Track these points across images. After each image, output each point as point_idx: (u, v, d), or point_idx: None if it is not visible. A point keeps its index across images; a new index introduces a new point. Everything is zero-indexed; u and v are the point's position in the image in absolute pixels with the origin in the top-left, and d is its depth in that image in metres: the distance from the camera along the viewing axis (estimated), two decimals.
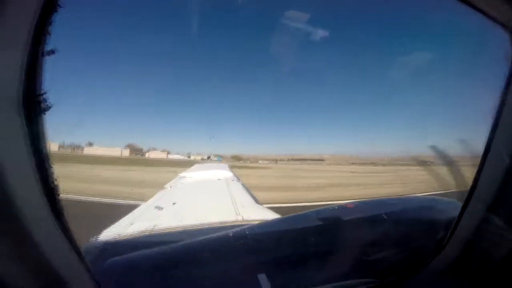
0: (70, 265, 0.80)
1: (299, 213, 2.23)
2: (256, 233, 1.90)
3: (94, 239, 2.27)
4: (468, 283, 1.04)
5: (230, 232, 1.93)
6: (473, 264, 1.05)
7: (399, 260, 1.36)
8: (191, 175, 7.01)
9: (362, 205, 2.15)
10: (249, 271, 1.37)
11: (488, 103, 1.01)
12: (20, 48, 0.62)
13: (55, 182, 0.73)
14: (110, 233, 2.53)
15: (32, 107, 0.66)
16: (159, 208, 3.80)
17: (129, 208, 3.64)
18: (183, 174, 7.28)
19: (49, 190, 0.71)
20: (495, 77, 0.99)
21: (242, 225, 2.79)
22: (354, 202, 2.23)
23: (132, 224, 2.93)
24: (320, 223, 1.77)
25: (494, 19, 0.92)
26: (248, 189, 5.44)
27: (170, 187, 5.57)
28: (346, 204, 2.16)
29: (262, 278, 1.24)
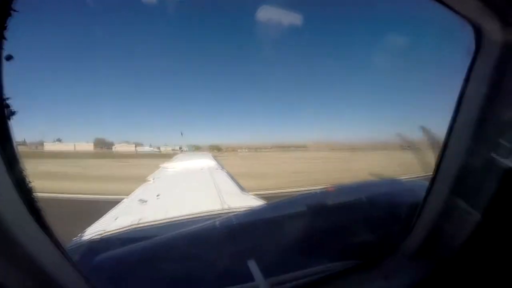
0: (57, 264, 0.81)
1: (283, 199, 2.31)
2: (243, 221, 1.95)
3: (79, 237, 2.24)
4: (434, 264, 1.14)
5: (217, 221, 1.98)
6: (439, 246, 1.15)
7: (375, 242, 1.48)
8: (174, 166, 6.93)
9: (342, 188, 2.27)
10: (238, 258, 1.42)
11: (452, 93, 1.10)
12: None
13: (30, 183, 0.73)
14: (94, 230, 2.49)
15: None
16: (143, 201, 3.76)
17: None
18: (165, 165, 7.17)
19: (25, 191, 0.71)
20: (459, 70, 1.08)
21: (229, 213, 2.85)
22: (335, 185, 2.35)
23: (116, 219, 2.89)
24: (305, 208, 1.86)
25: (462, 15, 0.98)
26: (232, 177, 5.49)
27: (153, 179, 5.48)
28: (327, 188, 2.27)
29: (252, 264, 1.30)
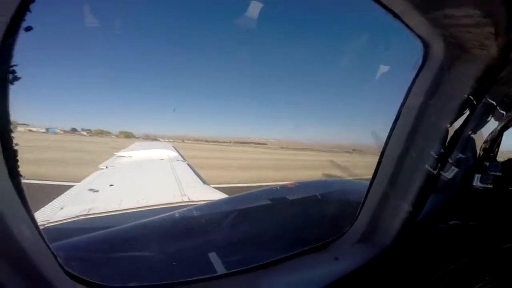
0: (33, 242, 0.78)
1: (246, 192, 2.36)
2: (203, 214, 1.95)
3: None
4: (375, 250, 1.31)
5: (177, 213, 1.94)
6: (378, 232, 1.33)
7: (326, 229, 1.61)
8: (130, 155, 6.51)
9: (300, 185, 2.40)
10: (199, 251, 1.42)
11: (396, 103, 1.25)
12: None
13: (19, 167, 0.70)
14: (37, 219, 2.25)
15: None
16: (93, 190, 3.49)
17: None
18: (120, 153, 6.70)
19: (15, 174, 0.69)
20: (406, 82, 1.22)
21: (189, 205, 2.80)
22: (294, 182, 2.48)
23: (62, 209, 2.65)
24: (265, 202, 1.92)
25: (413, 31, 1.10)
26: (194, 169, 5.38)
27: (106, 167, 5.10)
28: (286, 184, 2.38)
29: (213, 256, 1.31)
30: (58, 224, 2.20)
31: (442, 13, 0.92)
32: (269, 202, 1.92)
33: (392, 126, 1.21)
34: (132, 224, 1.73)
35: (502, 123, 1.18)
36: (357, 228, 1.36)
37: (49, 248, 0.82)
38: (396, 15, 1.03)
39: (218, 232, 1.65)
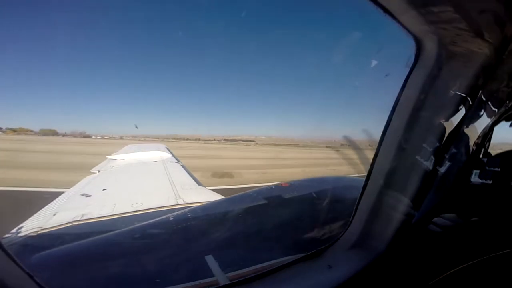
0: (3, 267, 0.72)
1: (239, 194, 2.34)
2: (198, 216, 1.92)
3: (11, 234, 1.94)
4: (369, 255, 1.28)
5: (172, 216, 1.91)
6: (372, 238, 1.30)
7: (319, 235, 1.60)
8: (123, 157, 6.40)
9: (295, 183, 2.40)
10: (196, 254, 1.40)
11: (390, 101, 1.24)
12: None
13: None
14: (29, 226, 2.19)
15: None
16: (86, 195, 3.42)
17: None
18: (112, 156, 6.59)
19: None
20: (399, 79, 1.22)
21: (183, 208, 2.77)
22: (289, 181, 2.47)
23: (55, 215, 2.59)
24: (260, 202, 1.91)
25: (407, 29, 1.10)
26: (188, 170, 5.33)
27: (98, 171, 5.00)
28: (281, 183, 2.37)
29: (209, 259, 1.29)
30: (52, 230, 2.15)
31: (435, 10, 0.91)
32: (262, 204, 1.91)
33: (385, 124, 1.20)
34: (122, 230, 1.70)
35: (494, 119, 1.19)
36: (351, 233, 1.33)
37: (23, 269, 0.78)
38: (387, 12, 1.02)
39: (212, 236, 1.63)
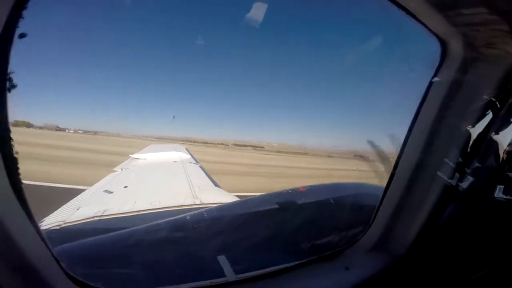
0: (35, 247, 0.78)
1: (256, 196, 2.34)
2: (214, 216, 1.95)
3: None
4: (389, 258, 1.25)
5: (188, 216, 1.95)
6: (391, 241, 1.26)
7: (337, 237, 1.56)
8: (145, 157, 6.66)
9: (312, 188, 2.36)
10: (209, 254, 1.42)
11: (413, 104, 1.19)
12: None
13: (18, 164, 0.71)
14: (53, 220, 2.33)
15: None
16: (108, 192, 3.58)
17: None
18: (135, 155, 6.87)
19: (12, 172, 0.69)
20: (423, 82, 1.17)
21: (200, 208, 2.82)
22: (306, 186, 2.43)
23: (78, 210, 2.74)
24: (276, 206, 1.90)
25: (431, 30, 1.06)
26: (206, 171, 5.42)
27: (121, 169, 5.23)
28: (298, 188, 2.34)
29: (222, 259, 1.30)
30: (74, 225, 2.27)
31: (459, 11, 0.87)
32: (279, 207, 1.90)
33: (408, 129, 1.15)
34: (140, 227, 1.75)
35: None
36: (370, 236, 1.30)
37: (51, 253, 0.82)
38: (411, 14, 0.99)
39: (227, 236, 1.64)
